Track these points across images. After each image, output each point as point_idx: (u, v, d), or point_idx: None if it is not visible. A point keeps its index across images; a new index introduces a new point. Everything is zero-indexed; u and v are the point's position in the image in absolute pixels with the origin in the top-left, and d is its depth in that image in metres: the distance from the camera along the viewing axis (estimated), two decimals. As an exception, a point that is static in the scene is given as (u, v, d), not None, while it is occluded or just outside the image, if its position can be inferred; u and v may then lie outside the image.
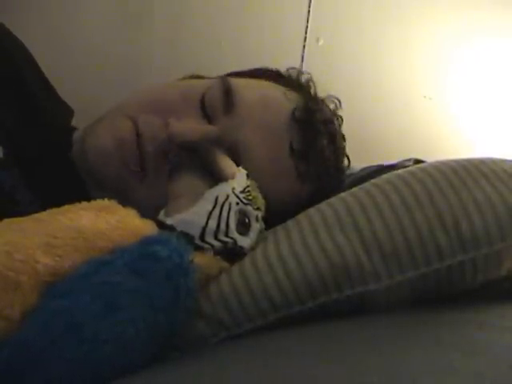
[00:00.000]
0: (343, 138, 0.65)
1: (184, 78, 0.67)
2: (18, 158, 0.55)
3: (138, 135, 0.54)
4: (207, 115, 0.56)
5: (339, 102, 0.66)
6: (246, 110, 0.56)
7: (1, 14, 1.14)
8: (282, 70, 0.68)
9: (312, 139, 0.58)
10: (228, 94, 0.56)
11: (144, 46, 1.33)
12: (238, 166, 0.51)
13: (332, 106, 0.65)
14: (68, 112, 0.67)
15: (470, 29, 1.45)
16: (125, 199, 0.46)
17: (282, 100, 0.59)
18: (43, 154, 0.57)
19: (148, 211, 0.46)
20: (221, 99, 0.56)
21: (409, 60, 1.47)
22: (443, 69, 1.48)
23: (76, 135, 0.62)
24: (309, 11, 1.40)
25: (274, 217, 0.51)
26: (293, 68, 0.68)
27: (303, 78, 0.66)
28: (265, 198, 0.51)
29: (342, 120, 0.65)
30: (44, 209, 0.42)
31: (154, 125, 0.54)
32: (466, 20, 1.45)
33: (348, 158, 0.66)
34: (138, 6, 1.31)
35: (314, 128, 0.59)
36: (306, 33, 1.41)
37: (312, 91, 0.65)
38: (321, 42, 1.42)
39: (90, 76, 1.27)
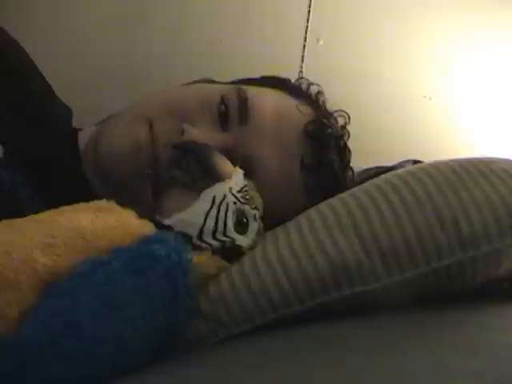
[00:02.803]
0: (349, 151, 0.65)
1: (196, 82, 0.68)
2: (18, 156, 0.55)
3: (153, 139, 0.54)
4: (222, 123, 0.56)
5: (348, 116, 0.66)
6: (261, 123, 0.56)
7: (1, 14, 1.14)
8: (287, 76, 0.68)
9: (323, 155, 0.59)
10: (243, 105, 0.56)
11: (143, 45, 1.33)
12: (249, 178, 0.51)
13: (340, 120, 0.66)
14: (67, 112, 0.68)
15: (470, 29, 1.45)
16: (134, 201, 0.46)
17: (295, 113, 0.59)
18: (44, 152, 0.57)
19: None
20: (236, 109, 0.56)
21: (409, 60, 1.46)
22: (443, 69, 1.48)
23: (82, 135, 0.62)
24: (309, 11, 1.40)
25: (275, 225, 0.51)
26: (302, 78, 0.68)
27: (312, 90, 0.67)
28: (269, 208, 0.51)
29: (349, 135, 0.66)
30: (45, 207, 0.42)
31: (169, 129, 0.55)
32: (466, 20, 1.45)
33: (352, 171, 0.66)
34: (138, 6, 1.31)
35: (326, 144, 0.59)
36: (306, 33, 1.41)
37: (322, 104, 0.65)
38: (321, 42, 1.42)
39: (89, 76, 1.27)
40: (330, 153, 0.60)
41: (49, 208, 0.42)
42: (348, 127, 0.66)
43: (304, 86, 0.67)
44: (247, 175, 0.52)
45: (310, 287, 0.43)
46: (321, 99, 0.66)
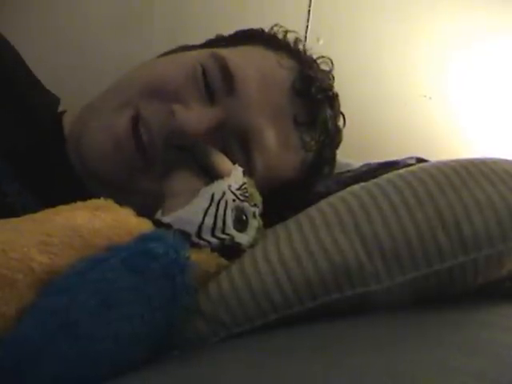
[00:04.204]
0: (337, 95, 0.65)
1: (169, 52, 0.66)
2: (3, 150, 0.54)
3: (139, 125, 0.53)
4: (210, 98, 0.55)
5: (331, 62, 0.66)
6: (247, 90, 0.56)
7: (0, 14, 1.14)
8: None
9: (315, 110, 0.59)
10: (227, 75, 0.55)
11: (143, 46, 1.33)
12: (247, 148, 0.52)
13: (324, 66, 0.65)
14: (54, 101, 0.66)
15: (470, 28, 1.45)
16: (127, 192, 0.45)
17: (279, 72, 0.59)
18: (31, 145, 0.56)
19: (152, 202, 0.46)
20: (220, 81, 0.55)
21: (408, 60, 1.46)
22: (443, 68, 1.48)
23: (67, 127, 0.61)
24: (309, 11, 1.40)
25: (277, 193, 0.51)
26: (277, 25, 0.67)
27: (291, 37, 0.66)
28: (270, 173, 0.51)
29: (334, 77, 0.66)
30: (35, 200, 0.42)
31: (159, 113, 0.54)
32: (466, 19, 1.45)
33: (343, 116, 0.66)
34: (137, 6, 1.31)
35: (315, 98, 0.59)
36: (306, 33, 1.41)
37: (302, 52, 0.65)
38: (321, 42, 1.42)
39: (89, 75, 1.27)
40: (321, 106, 0.60)
41: (37, 199, 0.42)
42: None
43: (281, 35, 0.66)
44: (245, 145, 0.53)
45: (310, 288, 0.43)
46: (300, 46, 0.65)
